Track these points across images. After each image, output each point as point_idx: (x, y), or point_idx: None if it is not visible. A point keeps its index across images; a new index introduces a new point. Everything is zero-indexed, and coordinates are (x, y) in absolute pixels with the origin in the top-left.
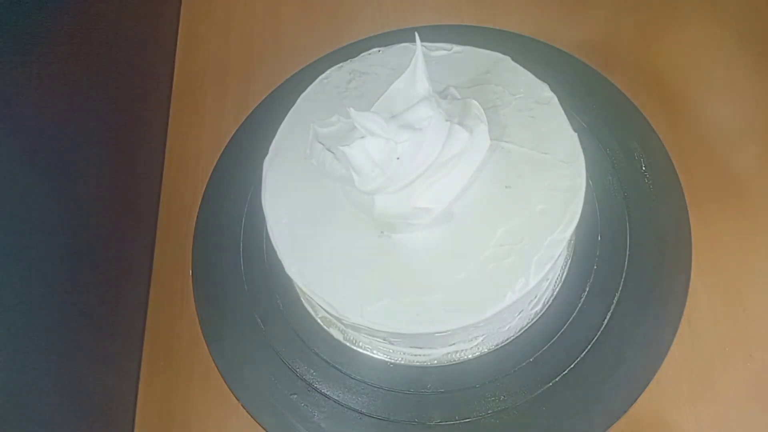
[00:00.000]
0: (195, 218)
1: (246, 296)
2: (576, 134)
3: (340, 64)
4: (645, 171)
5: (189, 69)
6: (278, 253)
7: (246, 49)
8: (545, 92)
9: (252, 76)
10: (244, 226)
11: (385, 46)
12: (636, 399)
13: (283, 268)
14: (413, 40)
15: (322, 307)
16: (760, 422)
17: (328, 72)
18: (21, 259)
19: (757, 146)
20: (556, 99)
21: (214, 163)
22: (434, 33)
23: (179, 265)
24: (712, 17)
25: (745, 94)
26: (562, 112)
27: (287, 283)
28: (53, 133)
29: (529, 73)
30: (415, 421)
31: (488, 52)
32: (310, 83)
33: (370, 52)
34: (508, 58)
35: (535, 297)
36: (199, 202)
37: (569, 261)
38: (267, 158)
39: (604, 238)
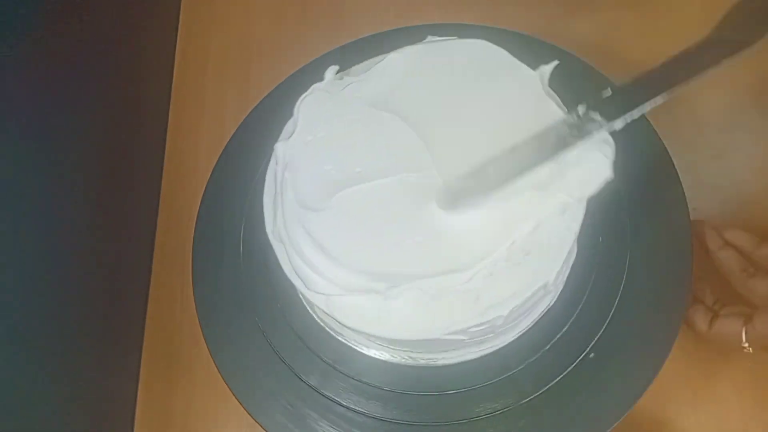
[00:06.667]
0: (195, 218)
1: (246, 296)
2: None
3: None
4: (644, 172)
5: (189, 68)
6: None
7: (246, 49)
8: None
9: (252, 76)
10: (244, 226)
11: (386, 45)
12: (636, 400)
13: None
14: (413, 40)
15: (339, 321)
16: (760, 422)
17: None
18: (21, 259)
19: (758, 145)
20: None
21: (214, 163)
22: (435, 32)
23: (179, 265)
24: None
25: (746, 94)
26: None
27: (288, 283)
28: (53, 133)
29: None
30: (414, 421)
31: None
32: (310, 84)
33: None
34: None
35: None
36: (199, 202)
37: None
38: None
39: (604, 240)
